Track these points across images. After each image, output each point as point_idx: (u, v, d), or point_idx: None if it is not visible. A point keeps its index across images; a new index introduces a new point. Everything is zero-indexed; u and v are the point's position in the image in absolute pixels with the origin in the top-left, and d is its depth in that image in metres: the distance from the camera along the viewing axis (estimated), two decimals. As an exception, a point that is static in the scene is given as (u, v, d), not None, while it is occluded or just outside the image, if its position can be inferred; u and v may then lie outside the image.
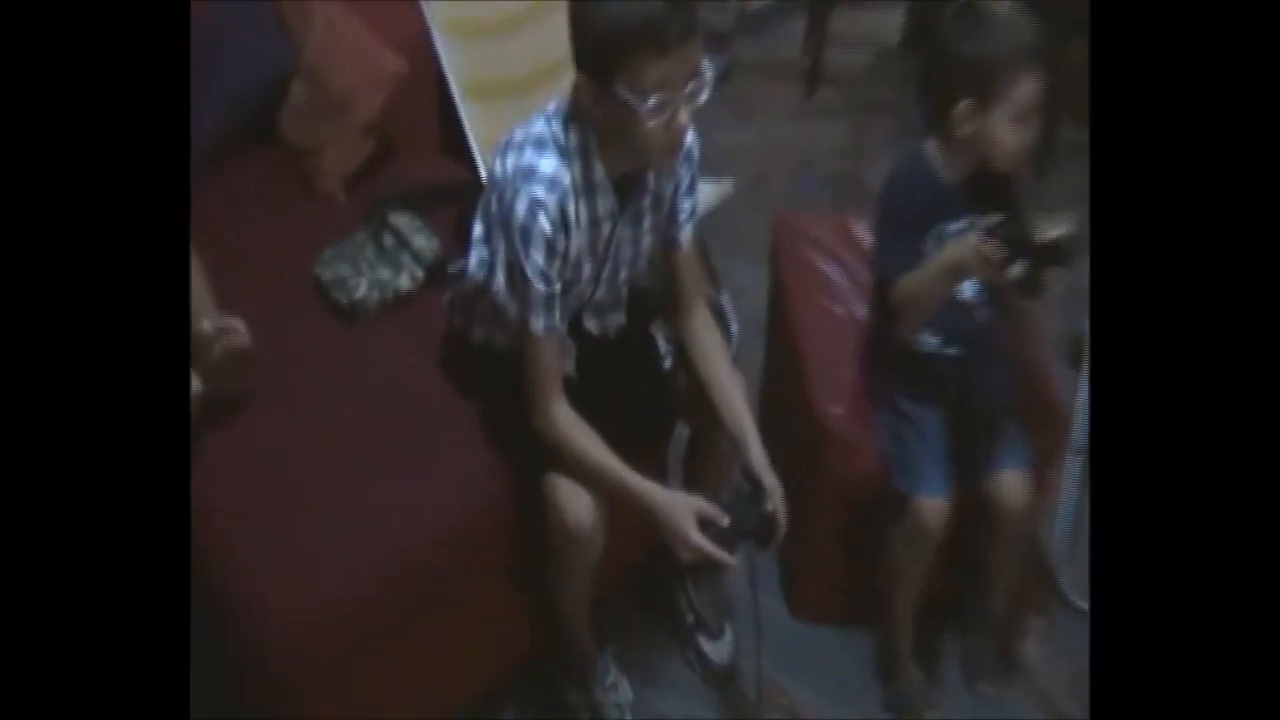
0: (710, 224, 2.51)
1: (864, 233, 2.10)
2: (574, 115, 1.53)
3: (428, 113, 2.37)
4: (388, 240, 2.12)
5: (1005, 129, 1.61)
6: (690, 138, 1.58)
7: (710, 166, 2.56)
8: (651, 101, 1.40)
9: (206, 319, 1.79)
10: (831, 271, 2.14)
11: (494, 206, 1.60)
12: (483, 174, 2.28)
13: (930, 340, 1.85)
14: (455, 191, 2.24)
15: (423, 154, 2.38)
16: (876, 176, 1.84)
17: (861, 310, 2.03)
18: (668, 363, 1.85)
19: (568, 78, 1.54)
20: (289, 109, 2.34)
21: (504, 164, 1.57)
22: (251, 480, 1.76)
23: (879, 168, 1.93)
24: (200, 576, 1.69)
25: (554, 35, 2.51)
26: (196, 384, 1.73)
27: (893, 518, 1.86)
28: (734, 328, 2.51)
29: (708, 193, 2.49)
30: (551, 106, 1.56)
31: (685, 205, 1.70)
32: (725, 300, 2.55)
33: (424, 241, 2.11)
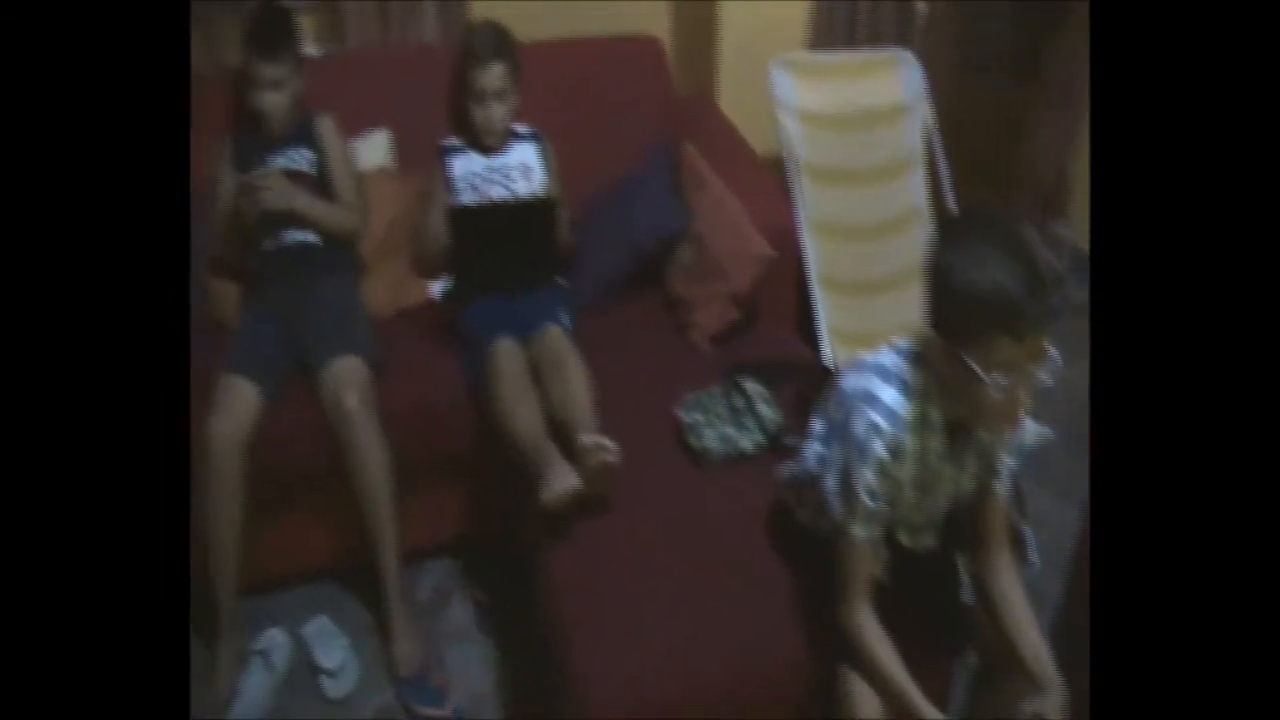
0: (1025, 456, 2.51)
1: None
2: (921, 360, 1.59)
3: (788, 296, 2.63)
4: (738, 401, 2.30)
5: None
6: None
7: (1036, 405, 2.71)
8: (997, 378, 1.44)
9: (587, 434, 2.06)
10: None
11: (835, 415, 1.70)
12: (826, 359, 2.47)
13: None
14: (802, 371, 2.43)
15: (779, 331, 2.61)
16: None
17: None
18: (966, 594, 1.87)
19: (916, 287, 1.61)
20: (676, 265, 2.65)
21: (851, 382, 1.66)
22: (599, 571, 1.97)
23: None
24: (545, 645, 1.93)
25: (910, 248, 2.72)
26: (576, 480, 1.99)
27: None
28: (1034, 558, 2.52)
29: (1029, 432, 2.47)
30: (903, 344, 1.63)
31: (1007, 461, 1.74)
32: (1028, 532, 2.56)
33: (768, 410, 2.28)
